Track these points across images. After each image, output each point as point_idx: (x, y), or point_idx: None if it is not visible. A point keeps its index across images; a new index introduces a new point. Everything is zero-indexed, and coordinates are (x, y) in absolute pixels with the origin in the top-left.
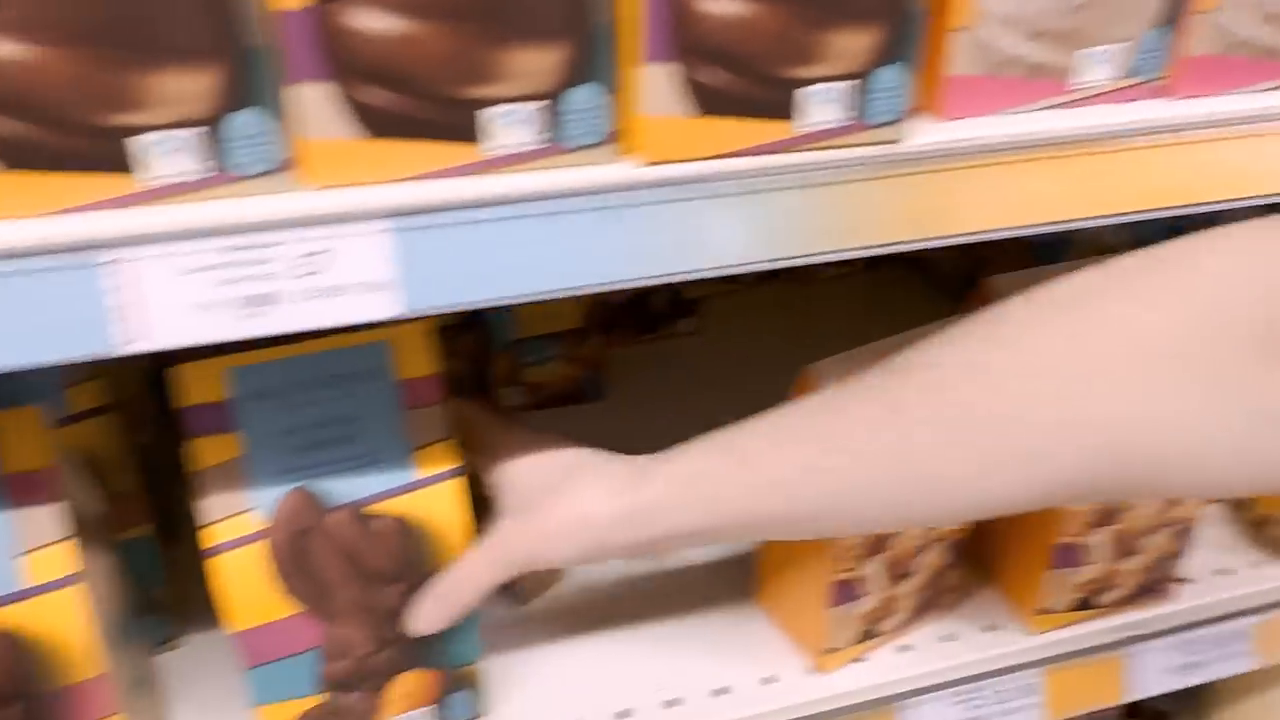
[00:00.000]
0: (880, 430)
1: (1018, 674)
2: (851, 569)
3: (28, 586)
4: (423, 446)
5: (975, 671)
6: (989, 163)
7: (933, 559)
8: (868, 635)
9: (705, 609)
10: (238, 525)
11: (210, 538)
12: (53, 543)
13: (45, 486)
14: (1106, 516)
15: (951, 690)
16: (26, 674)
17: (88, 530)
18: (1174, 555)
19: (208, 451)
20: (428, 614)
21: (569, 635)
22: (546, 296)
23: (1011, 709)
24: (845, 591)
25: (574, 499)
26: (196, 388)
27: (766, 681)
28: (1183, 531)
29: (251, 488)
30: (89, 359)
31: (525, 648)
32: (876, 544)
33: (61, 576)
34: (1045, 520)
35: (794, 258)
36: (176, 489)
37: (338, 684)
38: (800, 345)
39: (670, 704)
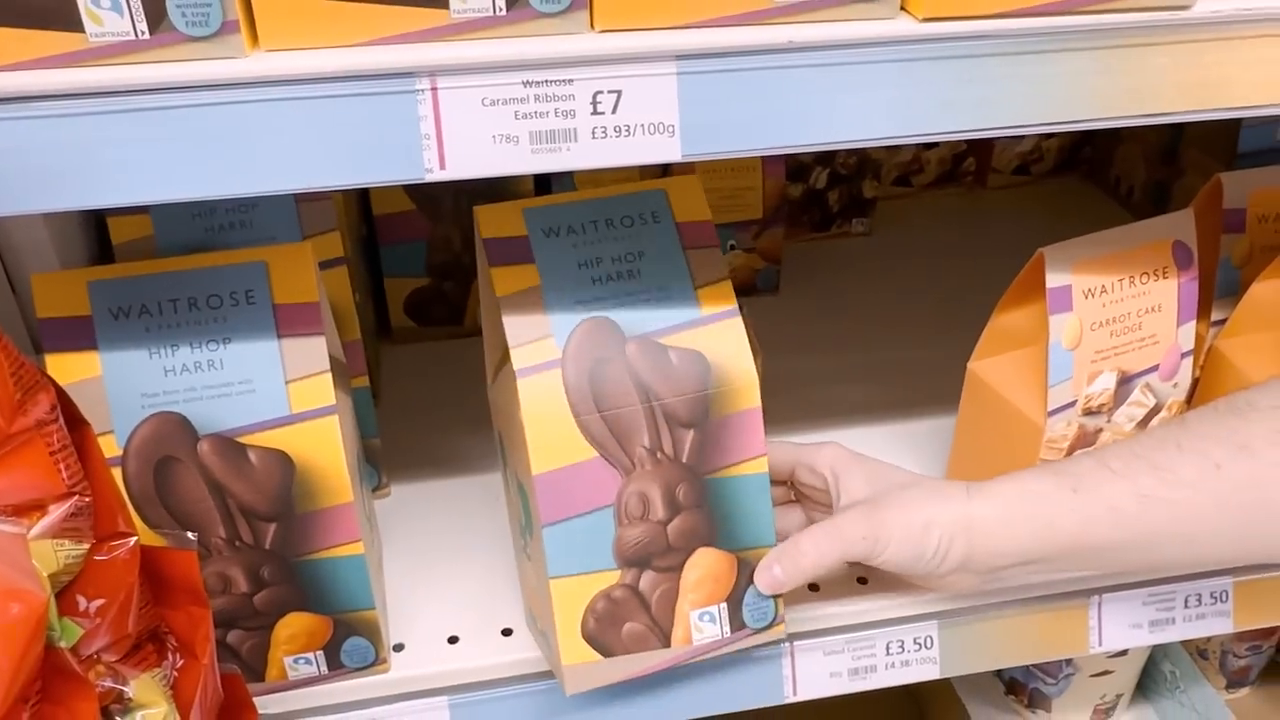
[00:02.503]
0: (1227, 467)
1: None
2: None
3: (294, 412)
4: (705, 285)
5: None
6: (1274, 33)
7: None
8: None
9: None
10: (539, 350)
11: (517, 360)
12: (315, 374)
13: (311, 319)
14: None
15: (1147, 590)
16: (289, 494)
17: (335, 370)
18: None
19: (509, 279)
20: (772, 577)
21: None
22: (820, 148)
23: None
24: None
25: (920, 502)
26: (499, 223)
27: None
28: None
29: (550, 315)
30: (399, 183)
31: None
32: (1083, 438)
33: (322, 406)
34: None
35: (1079, 121)
36: (378, 350)
37: (631, 558)
38: (972, 252)
39: (860, 581)
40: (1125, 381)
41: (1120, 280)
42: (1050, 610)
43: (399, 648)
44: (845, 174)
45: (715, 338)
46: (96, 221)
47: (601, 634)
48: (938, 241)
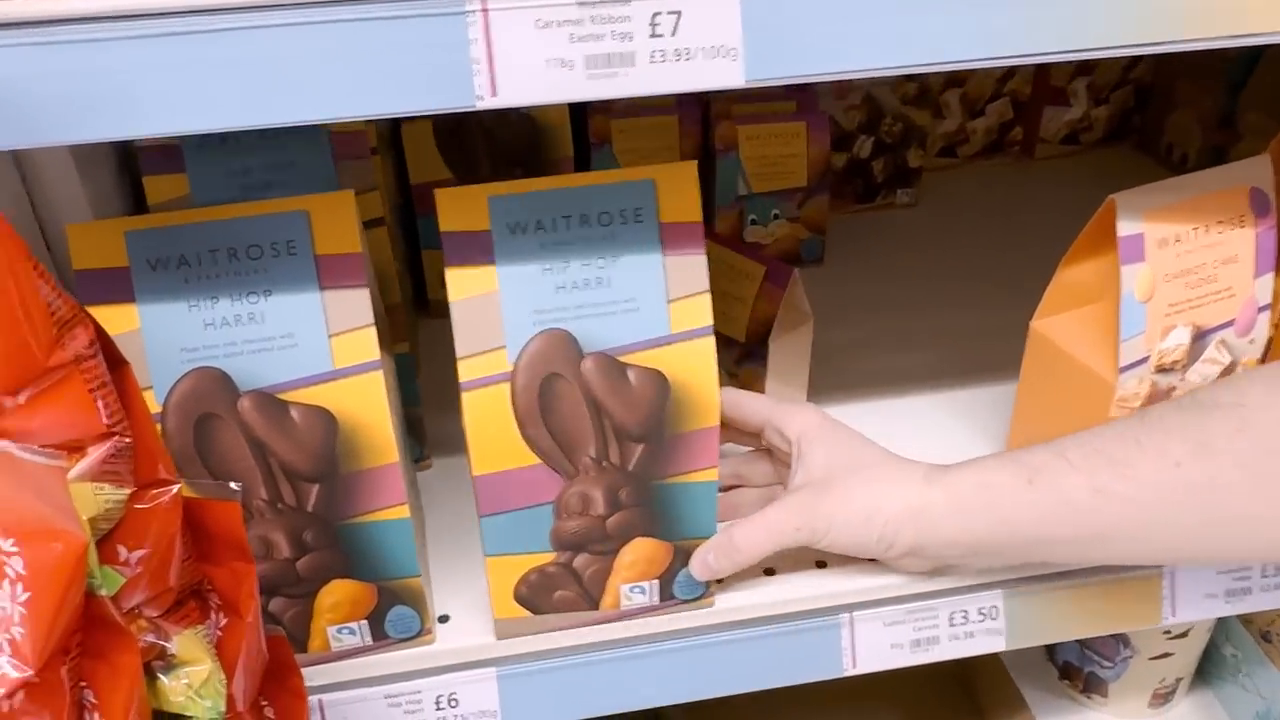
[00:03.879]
0: (1186, 465)
1: None
2: None
3: (337, 368)
4: (680, 299)
5: None
6: None
7: None
8: None
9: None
10: (488, 362)
11: (463, 372)
12: (359, 327)
13: (354, 271)
14: None
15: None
16: (332, 453)
17: (379, 328)
18: None
19: (465, 282)
20: (705, 565)
21: None
22: (890, 72)
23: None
24: None
25: (867, 488)
26: (459, 213)
27: None
28: None
29: (506, 325)
30: (447, 110)
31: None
32: (1155, 396)
33: (366, 361)
34: None
35: (1161, 44)
36: (416, 324)
37: (568, 544)
38: (1021, 223)
39: None
40: (1200, 337)
41: (1194, 229)
42: (1122, 579)
43: (444, 619)
44: (890, 142)
45: (682, 358)
46: (132, 182)
47: (533, 598)
48: (985, 213)
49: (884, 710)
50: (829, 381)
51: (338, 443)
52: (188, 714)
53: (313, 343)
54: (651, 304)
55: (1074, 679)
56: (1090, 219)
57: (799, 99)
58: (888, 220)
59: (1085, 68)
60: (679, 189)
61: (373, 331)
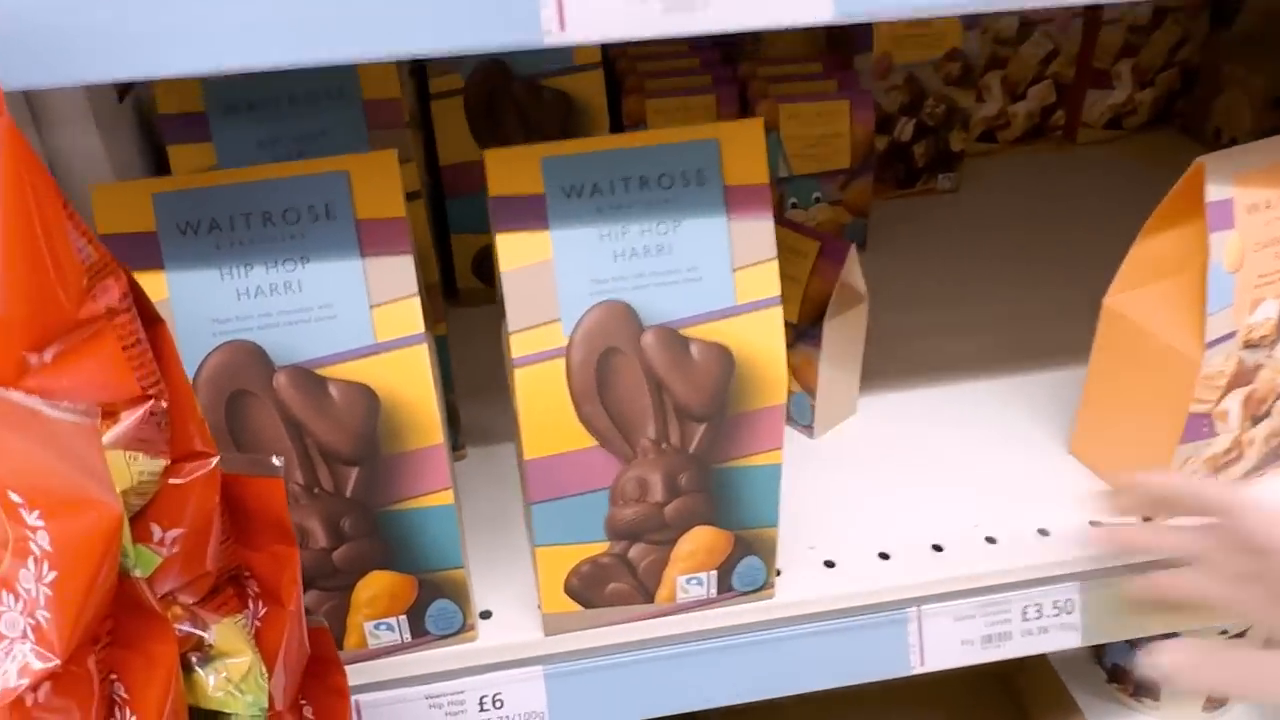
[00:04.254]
0: None
1: None
2: (1212, 401)
3: (380, 341)
4: (746, 267)
5: None
6: None
7: None
8: None
9: (1011, 457)
10: (543, 336)
11: (515, 347)
12: (403, 297)
13: (398, 236)
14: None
15: None
16: (373, 433)
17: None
18: None
19: (517, 249)
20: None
21: (868, 471)
22: (980, 9)
23: None
24: (1200, 426)
25: None
26: (510, 175)
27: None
28: None
29: (561, 297)
30: (515, 49)
31: (825, 481)
32: (1241, 375)
33: (410, 334)
34: None
35: None
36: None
37: (623, 533)
38: (1060, 208)
39: (989, 540)
40: None
41: None
42: None
43: (486, 615)
44: (932, 125)
45: (748, 330)
46: (155, 151)
47: (584, 590)
48: (1027, 199)
49: (926, 714)
50: (881, 367)
51: (379, 422)
52: (227, 711)
53: (353, 314)
54: (716, 272)
55: (1124, 682)
56: (1170, 190)
57: (839, 78)
58: (929, 206)
59: (1130, 49)
60: (744, 149)
61: (417, 302)
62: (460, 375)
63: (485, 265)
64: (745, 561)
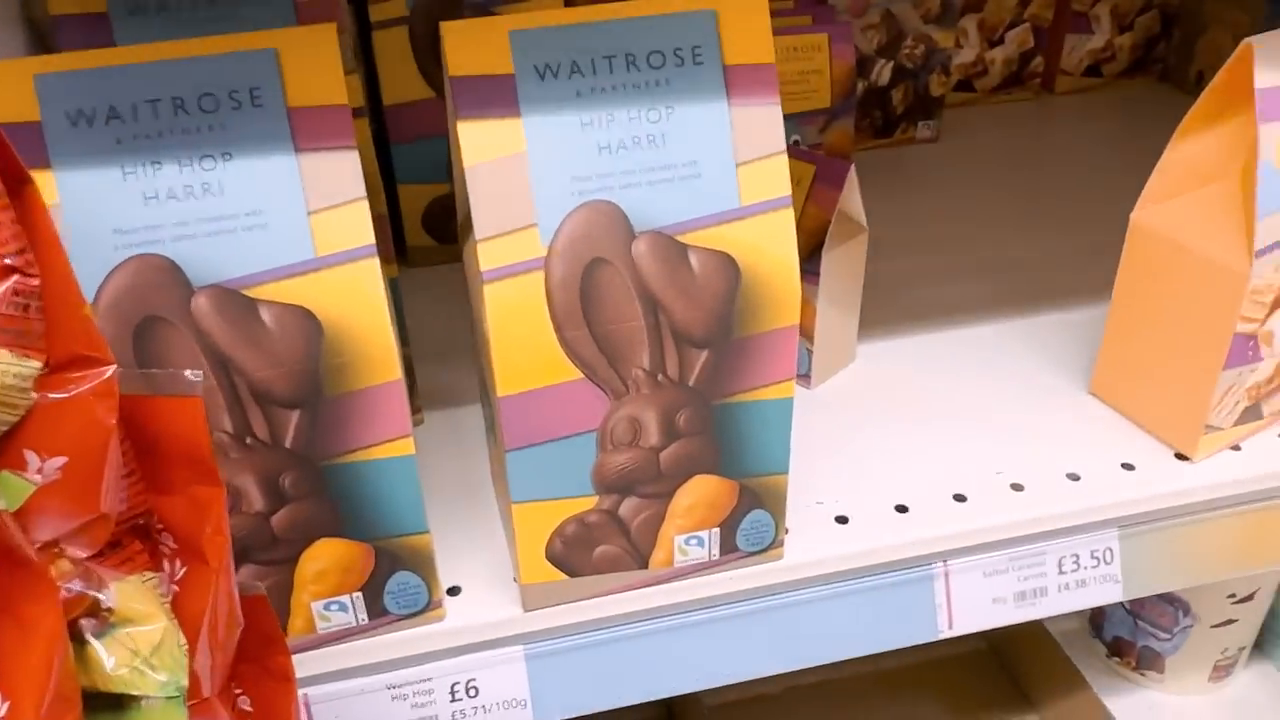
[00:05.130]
0: None
1: None
2: (1259, 319)
3: (320, 255)
4: (751, 161)
5: None
6: None
7: None
8: (1249, 416)
9: (1027, 401)
10: (517, 245)
11: (483, 258)
12: (348, 202)
13: (339, 128)
14: None
15: None
16: (315, 367)
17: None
18: None
19: (483, 140)
20: None
21: (875, 420)
22: None
23: None
24: (1245, 349)
25: None
26: (473, 51)
27: (1126, 469)
28: None
29: (537, 197)
30: None
31: (829, 433)
32: None
33: (357, 247)
34: None
35: None
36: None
37: (614, 485)
38: (1044, 157)
39: (1015, 488)
40: None
41: None
42: (1248, 512)
43: (454, 591)
44: (910, 67)
45: (755, 236)
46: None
47: (569, 556)
48: (1010, 147)
49: (921, 699)
50: (881, 313)
51: (322, 355)
52: (134, 693)
53: (288, 222)
54: (717, 168)
55: (1126, 655)
56: (1242, 43)
57: (815, 13)
58: (909, 155)
59: None
60: (747, 21)
61: (364, 207)
62: (415, 339)
63: (438, 219)
64: (751, 516)
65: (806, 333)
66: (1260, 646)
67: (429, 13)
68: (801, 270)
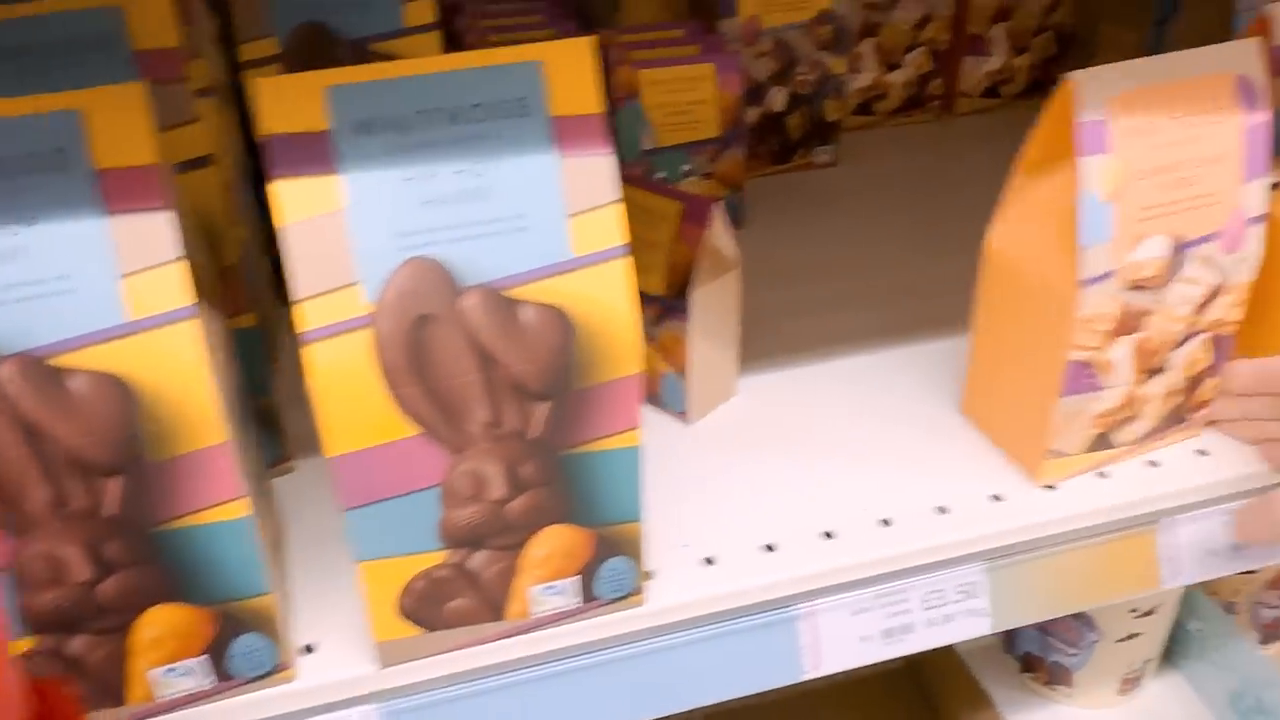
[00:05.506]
0: None
1: None
2: (1095, 347)
3: (129, 320)
4: (582, 212)
5: (1240, 489)
6: None
7: (1194, 354)
8: (1100, 444)
9: (904, 432)
10: (339, 304)
11: (301, 320)
12: (159, 265)
13: (150, 189)
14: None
15: (1223, 509)
16: (132, 434)
17: (201, 290)
18: None
19: (300, 199)
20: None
21: (750, 456)
22: None
23: None
24: (1082, 377)
25: None
26: (287, 109)
27: (995, 500)
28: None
29: (359, 254)
30: None
31: (702, 470)
32: (1128, 322)
33: (170, 310)
34: None
35: None
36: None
37: (461, 539)
38: (942, 179)
39: (884, 523)
40: (1178, 250)
41: (1170, 120)
42: (1112, 540)
43: (309, 649)
44: (805, 94)
45: (589, 287)
46: None
47: (421, 611)
48: (908, 170)
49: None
50: (761, 346)
51: (138, 421)
52: None
53: (95, 287)
54: (546, 220)
55: (1037, 670)
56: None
57: (703, 42)
58: (807, 181)
59: (1003, 13)
60: (573, 72)
61: (179, 269)
62: (289, 379)
63: None
64: (609, 564)
65: (681, 369)
66: (1169, 658)
67: (300, 53)
68: (672, 308)
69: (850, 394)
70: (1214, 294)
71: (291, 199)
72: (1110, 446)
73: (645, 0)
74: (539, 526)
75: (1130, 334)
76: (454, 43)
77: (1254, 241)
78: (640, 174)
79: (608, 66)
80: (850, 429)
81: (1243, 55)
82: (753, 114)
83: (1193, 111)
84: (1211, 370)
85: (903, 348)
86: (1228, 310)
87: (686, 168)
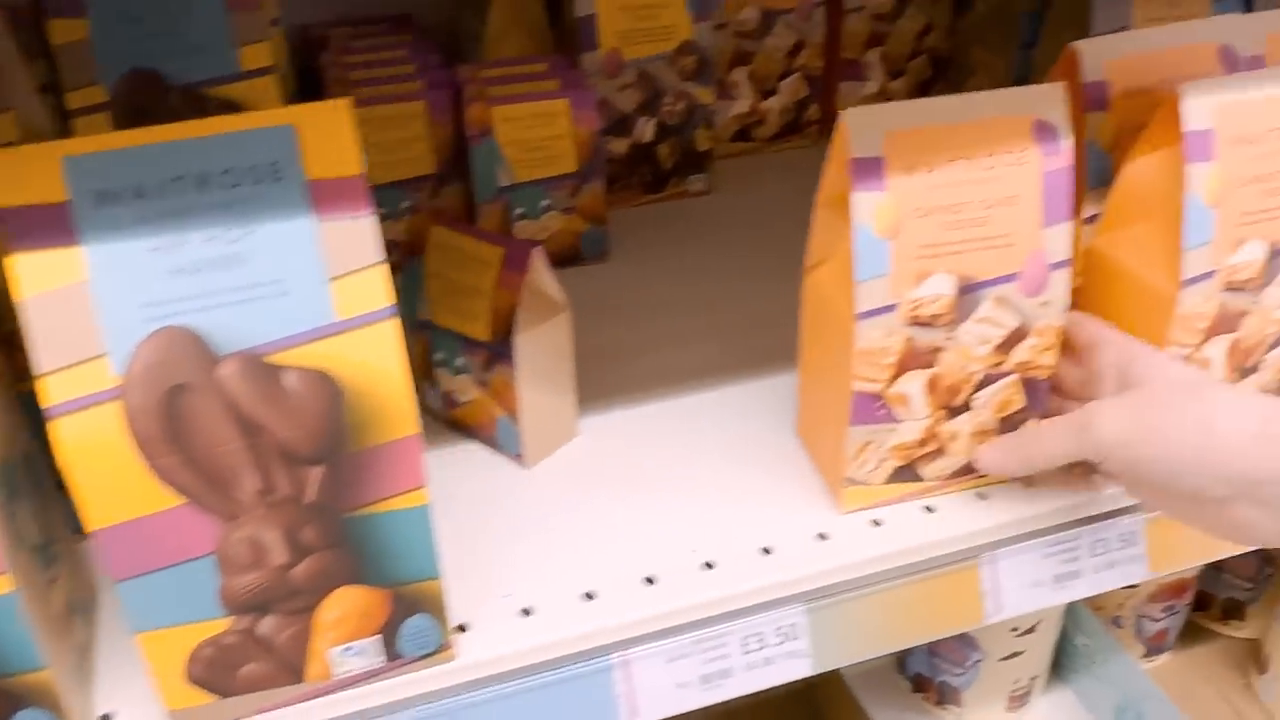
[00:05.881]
0: None
1: (1117, 520)
2: (881, 380)
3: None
4: (345, 275)
5: (1065, 520)
6: None
7: (1005, 396)
8: (906, 476)
9: (741, 471)
10: (85, 377)
11: (45, 394)
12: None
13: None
14: None
15: (1045, 540)
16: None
17: None
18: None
19: (40, 272)
20: (993, 459)
21: (583, 500)
22: None
23: (1112, 560)
24: (871, 408)
25: (1203, 397)
26: (22, 181)
27: (820, 539)
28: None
29: (105, 325)
30: None
31: (534, 515)
32: (917, 357)
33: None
34: None
35: None
36: None
37: (245, 605)
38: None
39: (707, 565)
40: (967, 290)
41: (955, 160)
42: (935, 576)
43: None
44: (674, 124)
45: (356, 350)
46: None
47: (212, 678)
48: (783, 197)
49: None
50: (612, 384)
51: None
52: None
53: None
54: (305, 285)
55: (927, 690)
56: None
57: (562, 77)
58: (680, 210)
59: (877, 38)
60: (330, 134)
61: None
62: None
63: None
64: (411, 622)
65: (514, 413)
66: (1059, 673)
67: (130, 100)
68: (499, 353)
69: (693, 432)
70: (1016, 336)
71: (30, 272)
72: (919, 479)
73: (511, 34)
74: (328, 589)
75: (922, 369)
76: (314, 80)
77: (1059, 286)
78: (499, 224)
79: (466, 100)
80: (686, 468)
81: (1044, 99)
82: (622, 145)
83: (983, 153)
84: (1027, 412)
85: (756, 381)
86: (1037, 354)
87: (545, 203)
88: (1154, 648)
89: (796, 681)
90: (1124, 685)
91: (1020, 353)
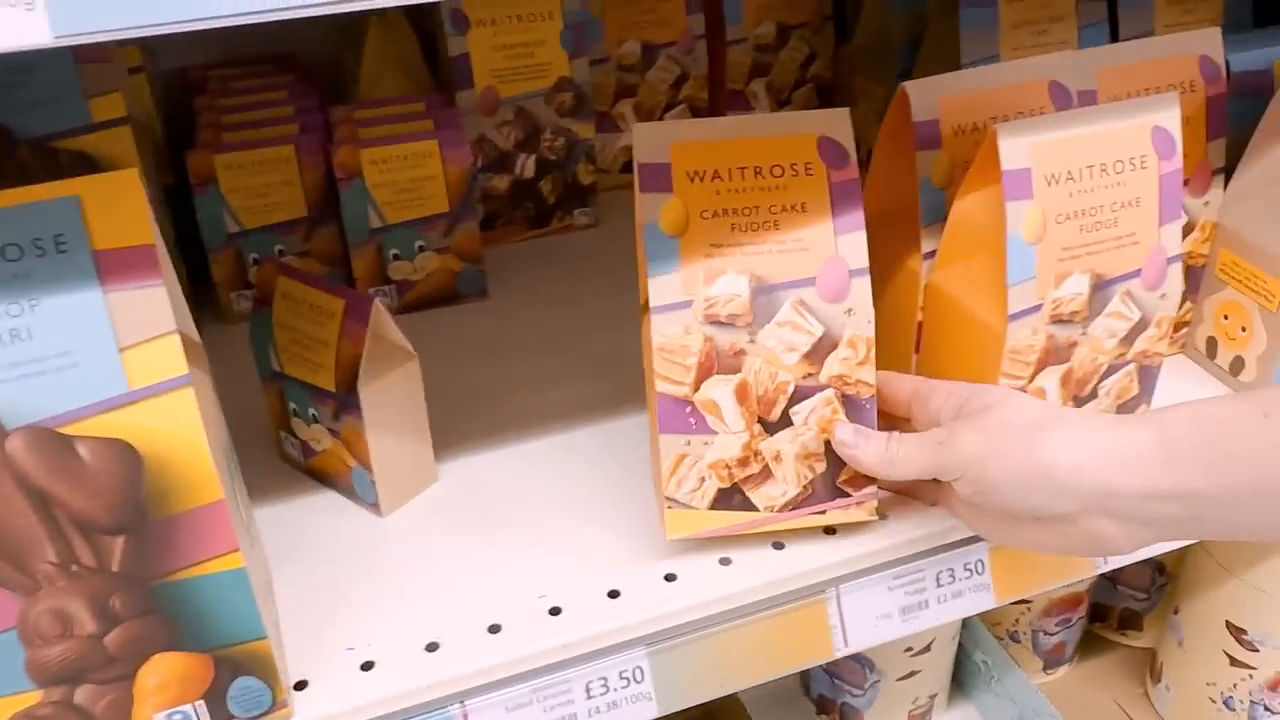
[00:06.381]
0: None
1: (964, 550)
2: (687, 385)
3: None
4: (136, 345)
5: (912, 551)
6: None
7: (824, 415)
8: (734, 502)
9: (598, 512)
10: None
11: None
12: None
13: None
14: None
15: (891, 572)
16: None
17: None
18: None
19: None
20: (853, 449)
21: (436, 548)
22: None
23: (959, 590)
24: (680, 414)
25: (1048, 417)
26: None
27: (668, 580)
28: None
29: None
30: None
31: (385, 565)
32: (718, 360)
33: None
34: None
35: None
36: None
37: (56, 677)
38: None
39: (553, 611)
40: (764, 292)
41: (746, 175)
42: (784, 612)
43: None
44: (555, 159)
45: (152, 419)
46: None
47: None
48: None
49: None
50: (469, 428)
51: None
52: None
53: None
54: (96, 356)
55: (830, 712)
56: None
57: (435, 116)
58: (566, 244)
59: (761, 68)
60: (118, 204)
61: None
62: None
63: None
64: (238, 684)
65: (365, 463)
66: (963, 689)
67: None
68: (346, 403)
69: (553, 474)
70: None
71: None
72: (753, 509)
73: (386, 73)
74: (145, 656)
75: (729, 374)
76: (188, 123)
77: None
78: (372, 267)
79: (336, 143)
80: (542, 512)
81: (833, 121)
82: (503, 182)
83: (771, 169)
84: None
85: (624, 419)
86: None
87: (419, 243)
88: (1052, 660)
89: (692, 708)
90: (1020, 701)
91: (833, 366)
